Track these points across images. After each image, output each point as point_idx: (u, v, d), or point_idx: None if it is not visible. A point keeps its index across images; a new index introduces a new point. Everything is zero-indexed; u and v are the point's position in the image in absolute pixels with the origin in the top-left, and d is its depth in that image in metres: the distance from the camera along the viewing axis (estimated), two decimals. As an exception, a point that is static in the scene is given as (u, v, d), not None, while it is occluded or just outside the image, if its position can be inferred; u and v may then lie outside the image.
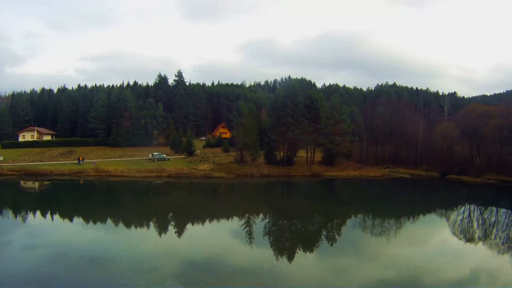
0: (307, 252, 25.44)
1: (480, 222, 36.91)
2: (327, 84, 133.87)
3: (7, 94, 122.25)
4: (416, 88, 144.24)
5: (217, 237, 28.45)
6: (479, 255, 25.20)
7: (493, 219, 38.26)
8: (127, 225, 31.51)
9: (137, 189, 52.68)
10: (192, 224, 32.88)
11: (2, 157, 67.72)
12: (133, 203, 42.79)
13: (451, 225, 34.87)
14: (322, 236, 29.62)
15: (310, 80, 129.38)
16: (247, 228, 30.59)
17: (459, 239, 30.01)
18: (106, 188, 53.93)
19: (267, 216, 37.06)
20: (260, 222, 34.19)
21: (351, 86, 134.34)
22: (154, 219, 33.79)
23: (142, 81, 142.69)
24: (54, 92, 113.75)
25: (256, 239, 26.99)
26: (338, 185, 60.98)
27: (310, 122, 67.02)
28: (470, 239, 29.73)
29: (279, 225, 33.88)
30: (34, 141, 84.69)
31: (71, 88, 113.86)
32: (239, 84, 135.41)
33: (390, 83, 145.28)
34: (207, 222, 33.98)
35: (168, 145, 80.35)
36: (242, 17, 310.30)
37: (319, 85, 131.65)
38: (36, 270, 19.41)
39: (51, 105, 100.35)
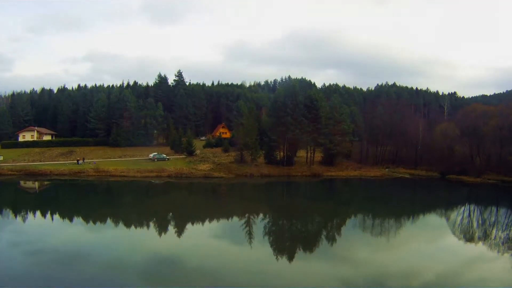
0: (307, 252, 25.43)
1: (480, 222, 36.92)
2: (327, 84, 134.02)
3: (7, 94, 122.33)
4: (416, 88, 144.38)
5: (217, 237, 28.44)
6: (479, 255, 25.17)
7: (493, 219, 38.27)
8: (127, 224, 31.48)
9: (137, 189, 52.66)
10: (192, 224, 32.88)
11: (2, 157, 67.72)
12: (133, 203, 42.77)
13: (451, 225, 34.88)
14: (322, 236, 29.61)
15: (310, 80, 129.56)
16: (247, 228, 30.59)
17: (459, 239, 30.03)
18: (106, 188, 53.92)
19: (267, 216, 37.07)
20: (260, 222, 34.19)
21: (351, 86, 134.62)
22: (154, 219, 33.76)
23: (142, 81, 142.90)
24: (54, 92, 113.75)
25: (256, 239, 26.99)
26: (338, 185, 60.98)
27: (310, 122, 67.02)
28: (470, 239, 29.75)
29: (279, 225, 33.89)
30: (34, 141, 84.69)
31: (71, 88, 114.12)
32: (239, 84, 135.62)
33: (390, 83, 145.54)
34: (207, 222, 33.98)
35: (168, 145, 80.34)
36: (206, 18, 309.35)
37: (318, 85, 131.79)
38: (32, 270, 19.47)
39: (51, 105, 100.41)
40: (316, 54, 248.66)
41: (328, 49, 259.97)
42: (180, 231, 29.91)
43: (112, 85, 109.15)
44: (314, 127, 67.26)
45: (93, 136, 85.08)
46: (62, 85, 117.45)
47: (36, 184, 55.10)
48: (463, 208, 44.26)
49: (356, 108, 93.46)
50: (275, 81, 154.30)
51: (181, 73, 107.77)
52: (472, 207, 45.15)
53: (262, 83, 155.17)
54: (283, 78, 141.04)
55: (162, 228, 30.72)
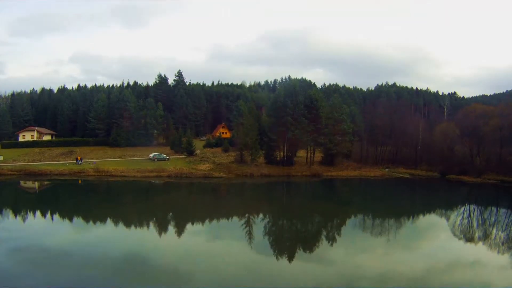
0: (307, 252, 25.44)
1: (480, 222, 36.91)
2: (327, 84, 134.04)
3: (7, 94, 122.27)
4: (416, 88, 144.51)
5: (217, 237, 28.42)
6: (479, 255, 25.15)
7: (493, 219, 38.25)
8: (127, 224, 31.46)
9: (137, 189, 52.62)
10: (192, 224, 32.89)
11: (2, 157, 67.69)
12: (133, 203, 42.72)
13: (451, 225, 34.86)
14: (322, 236, 29.59)
15: (310, 80, 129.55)
16: (247, 228, 30.59)
17: (459, 239, 30.02)
18: (106, 188, 53.92)
19: (267, 216, 37.06)
20: (260, 222, 34.19)
21: (351, 86, 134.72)
22: (154, 218, 33.79)
23: (142, 81, 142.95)
24: (54, 92, 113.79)
25: (256, 239, 26.99)
26: (338, 185, 60.96)
27: (310, 122, 67.00)
28: (470, 239, 29.74)
29: (279, 225, 33.89)
30: (34, 141, 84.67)
31: (71, 88, 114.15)
32: (239, 84, 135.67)
33: (390, 82, 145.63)
34: (207, 222, 33.98)
35: (168, 145, 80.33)
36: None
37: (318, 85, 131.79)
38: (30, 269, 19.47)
39: (51, 105, 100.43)
40: (294, 52, 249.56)
41: (312, 48, 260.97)
42: (179, 231, 29.90)
43: (112, 85, 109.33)
44: (314, 127, 67.24)
45: (93, 136, 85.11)
46: (62, 85, 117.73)
47: (36, 184, 55.09)
48: (463, 208, 44.24)
49: (356, 108, 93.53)
50: (275, 81, 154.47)
51: (181, 73, 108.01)
52: (472, 207, 45.13)
53: (262, 83, 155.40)
54: (283, 78, 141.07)
55: (161, 228, 30.70)
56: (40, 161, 67.11)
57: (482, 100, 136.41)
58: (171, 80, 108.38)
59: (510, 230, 33.12)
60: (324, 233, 30.81)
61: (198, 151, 74.50)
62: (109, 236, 27.94)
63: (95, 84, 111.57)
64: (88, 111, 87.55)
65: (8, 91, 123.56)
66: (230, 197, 50.51)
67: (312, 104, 68.62)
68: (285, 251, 25.43)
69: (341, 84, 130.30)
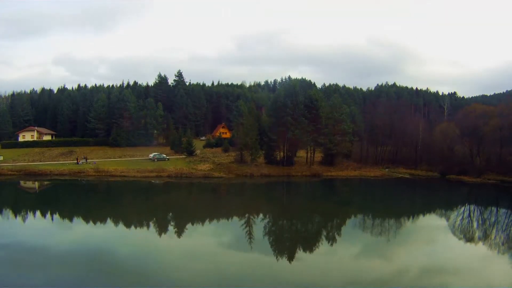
0: (307, 252, 25.43)
1: (480, 222, 36.93)
2: (327, 84, 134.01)
3: (7, 94, 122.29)
4: (416, 88, 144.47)
5: (217, 237, 28.42)
6: (479, 255, 25.18)
7: (493, 219, 38.26)
8: (127, 224, 31.47)
9: (137, 189, 52.59)
10: (192, 224, 32.88)
11: (2, 157, 67.69)
12: (133, 203, 42.74)
13: (451, 225, 34.86)
14: (322, 236, 29.60)
15: (310, 80, 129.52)
16: (247, 228, 30.59)
17: (459, 239, 30.03)
18: (106, 188, 53.93)
19: (267, 216, 37.06)
20: (260, 222, 34.20)
21: (351, 86, 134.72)
22: (154, 218, 33.77)
23: (142, 81, 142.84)
24: (54, 92, 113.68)
25: (256, 239, 26.99)
26: (338, 185, 60.95)
27: (310, 122, 66.98)
28: (470, 239, 29.74)
29: (279, 225, 33.89)
30: (34, 141, 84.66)
31: (71, 88, 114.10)
32: (239, 84, 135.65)
33: (390, 83, 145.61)
34: (207, 222, 33.98)
35: (168, 145, 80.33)
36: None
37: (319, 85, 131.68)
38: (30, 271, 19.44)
39: (51, 105, 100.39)
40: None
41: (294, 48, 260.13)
42: (180, 231, 29.92)
43: (112, 85, 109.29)
44: (314, 127, 67.23)
45: (93, 136, 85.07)
46: (62, 85, 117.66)
47: (36, 184, 55.10)
48: (463, 208, 44.25)
49: (356, 108, 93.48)
50: (275, 81, 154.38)
51: (181, 73, 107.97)
52: (472, 207, 45.13)
53: (262, 83, 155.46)
54: (283, 78, 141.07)
55: (161, 228, 30.74)
56: (40, 161, 67.11)
57: (482, 100, 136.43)
58: (171, 80, 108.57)
59: (510, 230, 33.13)
60: (324, 233, 30.82)
61: (198, 151, 74.49)
62: (109, 236, 27.92)
63: (95, 84, 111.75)
64: (88, 111, 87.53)
65: (8, 91, 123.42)
66: (230, 197, 50.51)
67: (312, 104, 68.61)
68: (285, 251, 25.45)
69: (341, 84, 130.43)
